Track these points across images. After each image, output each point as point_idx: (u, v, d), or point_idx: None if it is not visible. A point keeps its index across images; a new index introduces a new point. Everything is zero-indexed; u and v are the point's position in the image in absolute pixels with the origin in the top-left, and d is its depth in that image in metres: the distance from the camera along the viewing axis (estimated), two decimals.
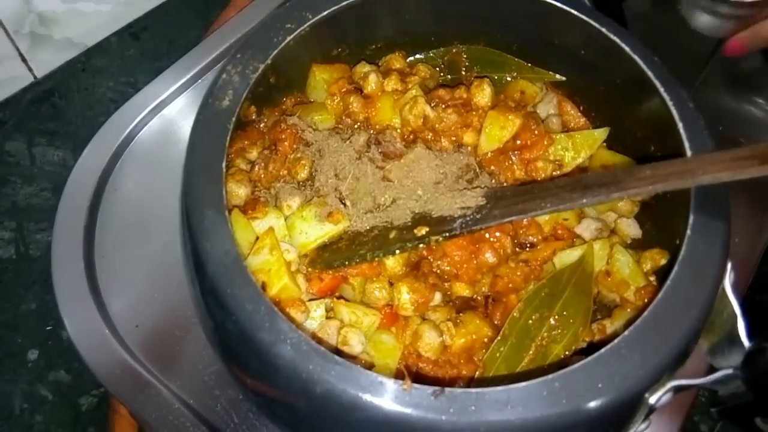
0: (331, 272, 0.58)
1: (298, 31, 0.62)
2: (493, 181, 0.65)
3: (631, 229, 0.64)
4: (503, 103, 0.67)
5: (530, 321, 0.57)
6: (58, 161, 0.90)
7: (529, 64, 0.72)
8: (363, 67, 0.69)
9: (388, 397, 0.45)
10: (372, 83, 0.66)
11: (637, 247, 0.63)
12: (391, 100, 0.66)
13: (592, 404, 0.45)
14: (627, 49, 0.61)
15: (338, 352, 0.53)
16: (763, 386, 0.46)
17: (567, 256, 0.60)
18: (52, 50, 0.93)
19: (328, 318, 0.56)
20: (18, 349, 0.84)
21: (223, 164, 0.54)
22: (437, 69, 0.74)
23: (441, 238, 0.56)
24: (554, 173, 0.65)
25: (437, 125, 0.65)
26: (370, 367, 0.54)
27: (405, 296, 0.57)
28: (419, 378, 0.55)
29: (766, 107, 0.86)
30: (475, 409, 0.44)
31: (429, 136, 0.66)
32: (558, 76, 0.72)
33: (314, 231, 0.59)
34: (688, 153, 0.56)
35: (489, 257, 0.60)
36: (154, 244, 0.68)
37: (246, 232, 0.56)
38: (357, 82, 0.68)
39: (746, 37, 0.72)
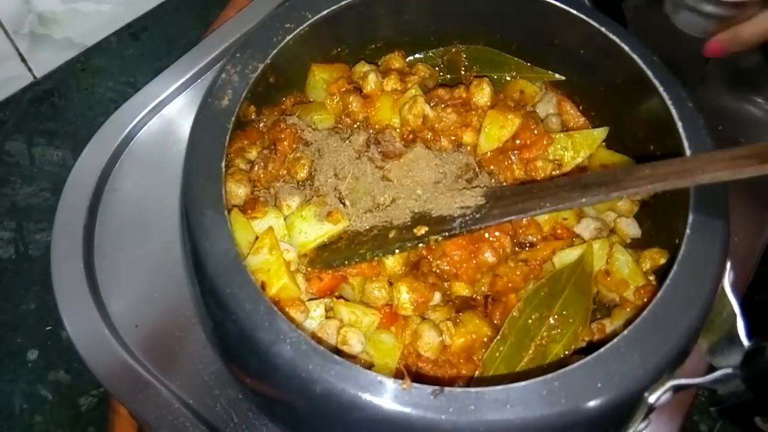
0: (330, 272, 0.58)
1: (298, 30, 0.62)
2: (493, 180, 0.65)
3: (631, 228, 0.64)
4: (503, 103, 0.67)
5: (530, 320, 0.57)
6: (57, 161, 0.90)
7: (529, 64, 0.72)
8: (362, 67, 0.69)
9: (387, 396, 0.45)
10: (371, 83, 0.67)
11: (636, 246, 0.63)
12: (390, 99, 0.66)
13: (592, 403, 0.45)
14: (626, 48, 0.61)
15: (338, 351, 0.53)
16: (763, 385, 0.46)
17: (566, 256, 0.60)
18: (52, 50, 0.93)
19: (327, 317, 0.57)
20: (18, 349, 0.84)
21: (223, 164, 0.54)
22: (437, 69, 0.74)
23: (440, 238, 0.56)
24: (554, 173, 0.65)
25: (437, 125, 0.65)
26: (369, 366, 0.54)
27: (404, 296, 0.57)
28: (419, 377, 0.55)
29: (766, 107, 0.86)
30: (475, 409, 0.44)
31: (428, 136, 0.66)
32: (557, 76, 0.72)
33: (314, 230, 0.59)
34: (688, 152, 0.56)
35: (488, 257, 0.60)
36: (153, 244, 0.68)
37: (245, 231, 0.56)
38: (356, 82, 0.68)
39: (726, 39, 0.72)
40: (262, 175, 0.62)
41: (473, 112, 0.66)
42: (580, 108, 0.71)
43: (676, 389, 0.49)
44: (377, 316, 0.57)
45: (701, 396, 0.95)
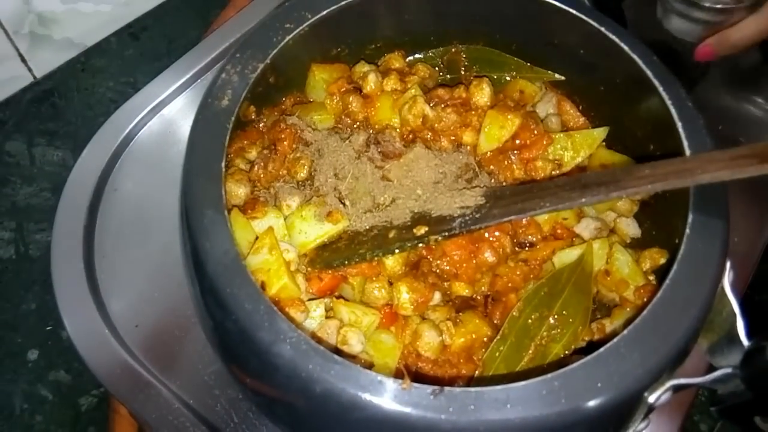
0: (330, 272, 0.58)
1: (298, 30, 0.62)
2: (493, 180, 0.65)
3: (631, 228, 0.64)
4: (502, 103, 0.67)
5: (530, 320, 0.57)
6: (57, 161, 0.90)
7: (529, 64, 0.72)
8: (362, 67, 0.69)
9: (387, 396, 0.45)
10: (371, 83, 0.67)
11: (636, 246, 0.63)
12: (390, 99, 0.66)
13: (592, 403, 0.45)
14: (626, 48, 0.61)
15: (338, 351, 0.53)
16: (762, 385, 0.46)
17: (566, 256, 0.61)
18: (52, 50, 0.93)
19: (327, 317, 0.57)
20: (18, 349, 0.84)
21: (223, 164, 0.54)
22: (436, 68, 0.74)
23: (440, 238, 0.56)
24: (553, 173, 0.65)
25: (436, 125, 0.65)
26: (369, 366, 0.54)
27: (404, 296, 0.57)
28: (419, 377, 0.55)
29: (766, 107, 0.86)
30: (475, 408, 0.44)
31: (428, 136, 0.66)
32: (557, 76, 0.72)
33: (313, 230, 0.59)
34: (687, 152, 0.56)
35: (488, 257, 0.60)
36: (154, 244, 0.68)
37: (245, 231, 0.56)
38: (356, 82, 0.68)
39: (715, 43, 0.74)
40: (262, 175, 0.62)
41: (473, 112, 0.66)
42: (580, 108, 0.71)
43: (676, 389, 0.49)
44: (377, 316, 0.57)
45: (701, 396, 0.95)
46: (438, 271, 0.60)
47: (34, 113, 0.92)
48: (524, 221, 0.62)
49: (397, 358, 0.56)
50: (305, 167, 0.62)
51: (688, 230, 0.52)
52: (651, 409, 0.49)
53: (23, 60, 0.91)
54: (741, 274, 0.71)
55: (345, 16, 0.65)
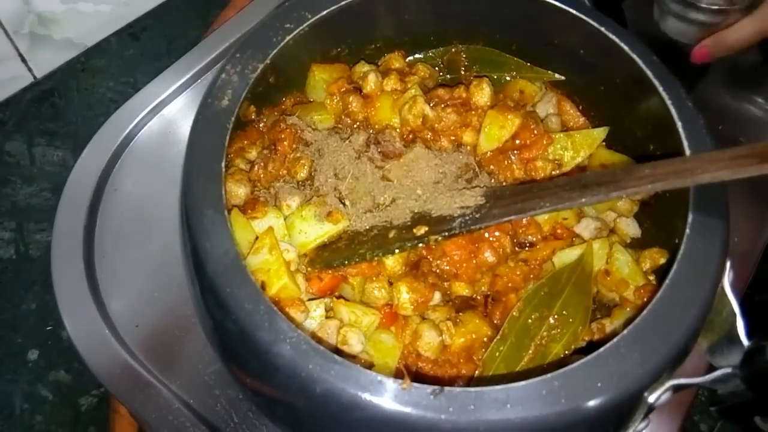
0: (330, 272, 0.58)
1: (298, 30, 0.62)
2: (493, 180, 0.65)
3: (631, 228, 0.64)
4: (502, 103, 0.67)
5: (530, 320, 0.57)
6: (58, 161, 0.90)
7: (529, 64, 0.72)
8: (362, 67, 0.69)
9: (387, 396, 0.45)
10: (371, 83, 0.67)
11: (636, 246, 0.63)
12: (390, 99, 0.66)
13: (592, 403, 0.45)
14: (626, 48, 0.61)
15: (338, 351, 0.53)
16: (762, 385, 0.46)
17: (566, 256, 0.61)
18: (52, 50, 0.93)
19: (327, 317, 0.57)
20: (18, 349, 0.84)
21: (223, 164, 0.54)
22: (436, 68, 0.74)
23: (440, 238, 0.56)
24: (553, 172, 0.65)
25: (436, 125, 0.65)
26: (369, 366, 0.54)
27: (404, 296, 0.57)
28: (419, 377, 0.55)
29: (766, 106, 0.86)
30: (475, 408, 0.44)
31: (428, 136, 0.66)
32: (557, 76, 0.72)
33: (314, 230, 0.59)
34: (687, 152, 0.56)
35: (488, 256, 0.60)
36: (154, 244, 0.68)
37: (245, 231, 0.56)
38: (356, 82, 0.68)
39: (712, 45, 0.75)
40: (262, 175, 0.62)
41: (473, 112, 0.66)
42: (580, 108, 0.71)
43: (676, 389, 0.49)
44: (377, 316, 0.57)
45: (701, 396, 0.95)
46: (438, 271, 0.60)
47: (34, 113, 0.92)
48: (524, 221, 0.62)
49: (397, 358, 0.56)
50: (305, 167, 0.62)
51: (688, 230, 0.52)
52: (651, 409, 0.49)
53: (23, 60, 0.91)
54: (741, 274, 0.72)
55: (345, 16, 0.65)
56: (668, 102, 0.58)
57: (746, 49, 0.74)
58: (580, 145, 0.66)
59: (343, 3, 0.63)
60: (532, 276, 0.60)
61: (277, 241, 0.55)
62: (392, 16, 0.70)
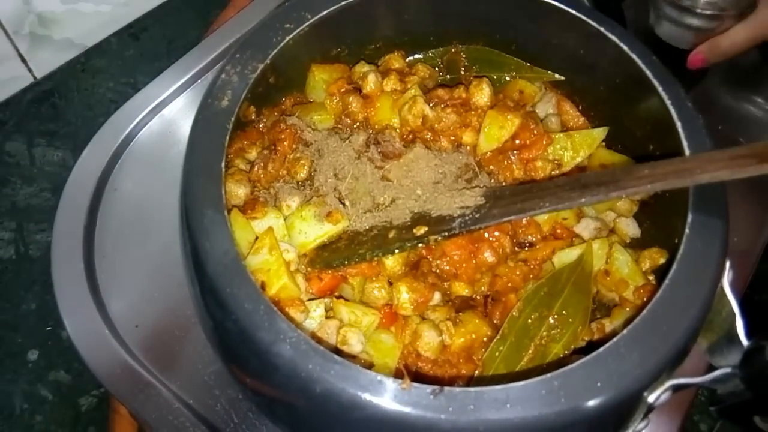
0: (330, 272, 0.58)
1: (298, 31, 0.62)
2: (492, 180, 0.65)
3: (630, 228, 0.64)
4: (502, 103, 0.67)
5: (529, 320, 0.57)
6: (58, 161, 0.90)
7: (528, 64, 0.73)
8: (362, 67, 0.70)
9: (387, 396, 0.45)
10: (371, 83, 0.67)
11: (636, 246, 0.63)
12: (390, 99, 0.66)
13: (591, 403, 0.45)
14: (626, 48, 0.61)
15: (338, 351, 0.53)
16: (762, 385, 0.46)
17: (566, 256, 0.61)
18: (52, 51, 0.93)
19: (327, 317, 0.57)
20: (18, 349, 0.84)
21: (223, 164, 0.54)
22: (436, 69, 0.74)
23: (440, 238, 0.56)
24: (553, 173, 0.65)
25: (436, 125, 0.66)
26: (369, 366, 0.54)
27: (404, 296, 0.57)
28: (418, 377, 0.55)
29: (766, 107, 0.86)
30: (474, 408, 0.44)
31: (428, 136, 0.66)
32: (557, 76, 0.72)
33: (313, 231, 0.59)
34: (687, 152, 0.56)
35: (488, 257, 0.60)
36: (154, 244, 0.68)
37: (245, 231, 0.56)
38: (356, 82, 0.68)
39: (707, 51, 0.76)
40: (262, 176, 0.62)
41: (473, 113, 0.66)
42: (580, 108, 0.71)
43: (676, 389, 0.49)
44: (377, 316, 0.57)
45: (701, 395, 0.95)
46: (438, 271, 0.60)
47: (34, 113, 0.92)
48: (524, 221, 0.62)
49: (396, 358, 0.56)
50: (305, 167, 0.62)
51: (687, 230, 0.52)
52: (650, 408, 0.49)
53: (23, 60, 0.91)
54: (740, 274, 0.72)
55: (345, 16, 0.65)
56: (668, 102, 0.58)
57: (740, 54, 0.75)
58: (579, 145, 0.66)
59: (343, 3, 0.63)
60: (531, 276, 0.61)
61: (276, 242, 0.56)
62: (392, 17, 0.70)
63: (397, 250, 0.57)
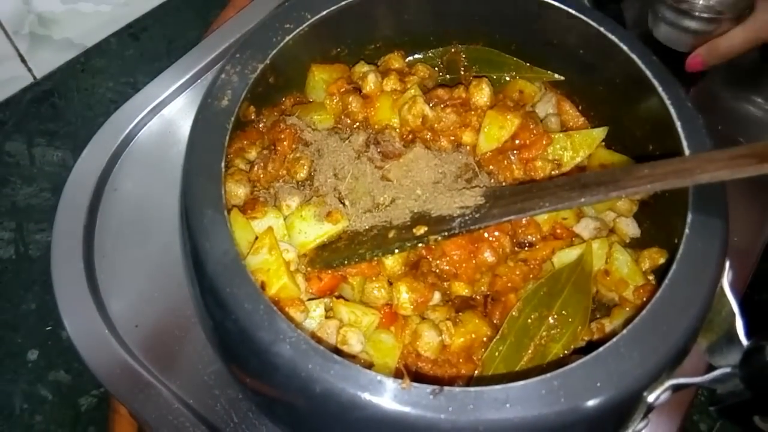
0: (330, 272, 0.58)
1: (297, 31, 0.62)
2: (492, 180, 0.65)
3: (630, 228, 0.64)
4: (502, 103, 0.67)
5: (529, 320, 0.57)
6: (57, 161, 0.90)
7: (528, 64, 0.73)
8: (362, 67, 0.70)
9: (387, 396, 0.45)
10: (371, 83, 0.67)
11: (635, 246, 0.63)
12: (389, 99, 0.66)
13: (591, 403, 0.45)
14: (625, 48, 0.61)
15: (337, 351, 0.53)
16: (762, 384, 0.46)
17: (566, 255, 0.61)
18: (52, 51, 0.93)
19: (327, 317, 0.57)
20: (18, 349, 0.84)
21: (222, 164, 0.54)
22: (436, 69, 0.74)
23: (440, 238, 0.56)
24: (553, 172, 0.65)
25: (436, 125, 0.66)
26: (369, 366, 0.54)
27: (404, 296, 0.57)
28: (418, 377, 0.55)
29: (765, 106, 0.86)
30: (474, 408, 0.44)
31: (428, 136, 0.66)
32: (557, 76, 0.72)
33: (313, 230, 0.59)
34: (687, 152, 0.56)
35: (488, 256, 0.60)
36: (154, 244, 0.68)
37: (245, 231, 0.56)
38: (356, 82, 0.68)
39: (705, 54, 0.77)
40: (261, 175, 0.62)
41: (472, 112, 0.66)
42: (580, 108, 0.71)
43: (676, 388, 0.49)
44: (377, 316, 0.57)
45: (701, 395, 0.95)
46: (438, 271, 0.60)
47: (34, 113, 0.92)
48: (524, 221, 0.62)
49: (396, 357, 0.56)
50: (305, 167, 0.62)
51: (687, 230, 0.52)
52: (650, 408, 0.49)
53: (23, 60, 0.91)
54: (740, 274, 0.72)
55: (345, 16, 0.65)
56: (667, 102, 0.58)
57: (737, 57, 0.75)
58: (579, 145, 0.66)
59: (343, 3, 0.63)
60: (531, 276, 0.61)
61: (276, 241, 0.56)
62: (392, 16, 0.70)
63: (396, 250, 0.57)
